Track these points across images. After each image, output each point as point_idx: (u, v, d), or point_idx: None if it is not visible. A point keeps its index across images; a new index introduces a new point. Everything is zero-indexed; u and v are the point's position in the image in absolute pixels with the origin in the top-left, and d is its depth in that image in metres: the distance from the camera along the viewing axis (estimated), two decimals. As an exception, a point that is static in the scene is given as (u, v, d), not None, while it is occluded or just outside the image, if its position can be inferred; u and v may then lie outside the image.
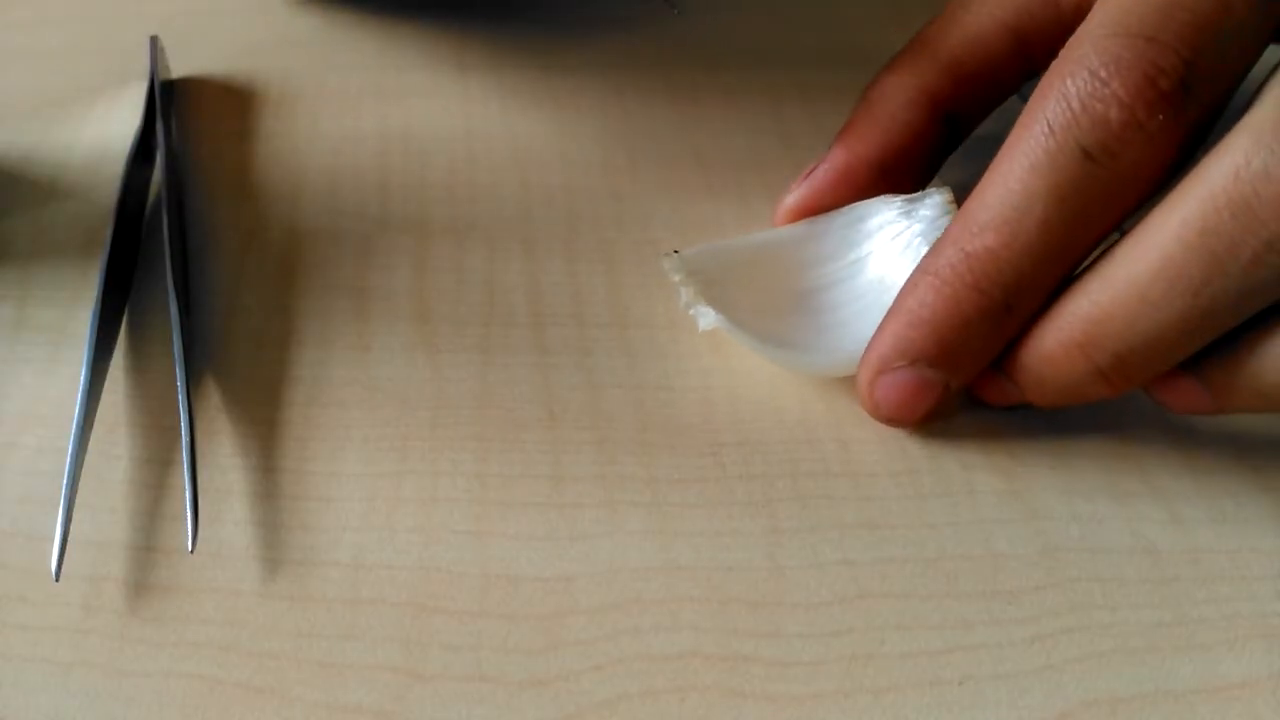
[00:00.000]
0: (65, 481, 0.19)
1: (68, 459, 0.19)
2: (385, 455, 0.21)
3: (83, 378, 0.20)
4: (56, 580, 0.18)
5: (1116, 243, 0.19)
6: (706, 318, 0.22)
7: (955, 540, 0.20)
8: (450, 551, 0.19)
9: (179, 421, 0.20)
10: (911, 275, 0.20)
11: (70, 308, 0.24)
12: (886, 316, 0.21)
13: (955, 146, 0.25)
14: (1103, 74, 0.18)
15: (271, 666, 0.18)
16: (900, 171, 0.24)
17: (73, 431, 0.19)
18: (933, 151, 0.24)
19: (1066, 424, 0.22)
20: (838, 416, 0.22)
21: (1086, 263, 0.20)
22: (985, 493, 0.21)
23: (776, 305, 0.23)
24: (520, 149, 0.29)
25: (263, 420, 0.21)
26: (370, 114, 0.30)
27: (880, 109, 0.24)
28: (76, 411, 0.20)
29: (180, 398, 0.20)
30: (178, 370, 0.21)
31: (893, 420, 0.22)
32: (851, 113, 0.25)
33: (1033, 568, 0.19)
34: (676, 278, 0.23)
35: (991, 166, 0.19)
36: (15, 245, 0.25)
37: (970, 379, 0.21)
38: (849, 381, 0.23)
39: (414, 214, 0.27)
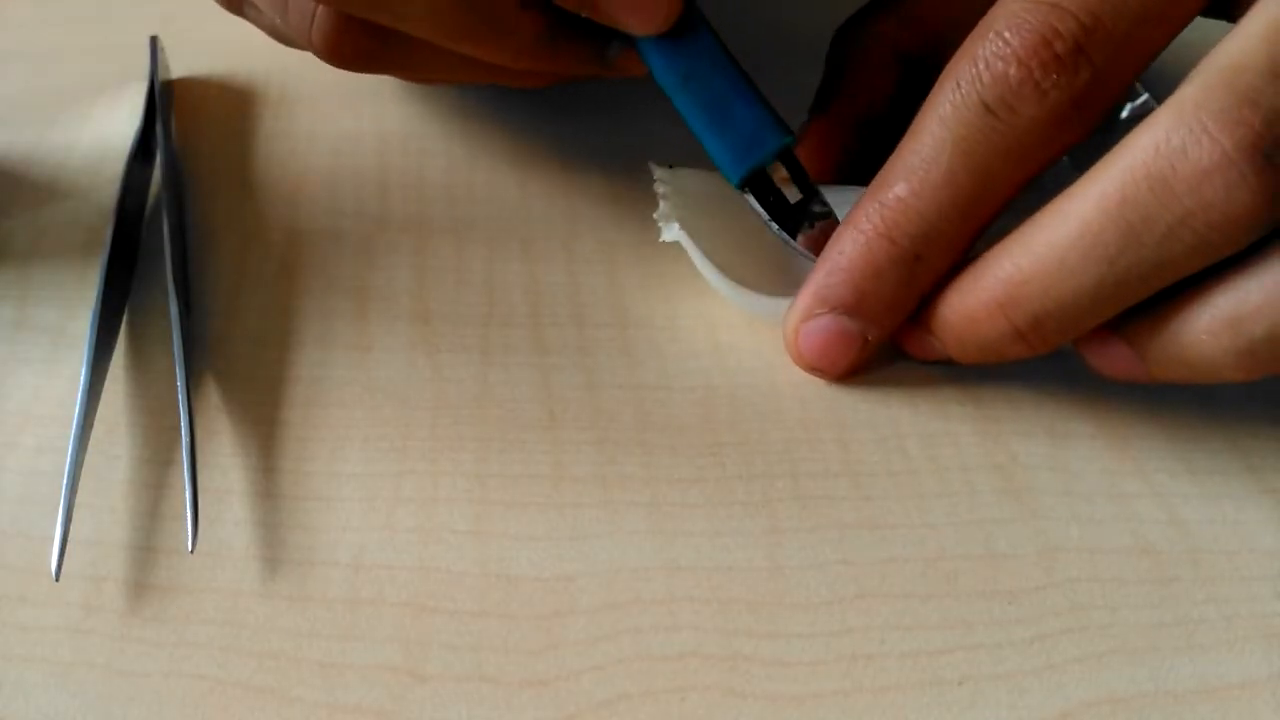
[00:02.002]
0: (65, 481, 0.19)
1: (68, 459, 0.19)
2: (385, 455, 0.21)
3: (83, 378, 0.20)
4: (56, 580, 0.18)
5: (1038, 212, 0.20)
6: (670, 231, 0.23)
7: (955, 540, 0.20)
8: (450, 551, 0.19)
9: (179, 421, 0.20)
10: (838, 227, 0.21)
11: (70, 308, 0.24)
12: (814, 266, 0.22)
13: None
14: (1006, 34, 0.19)
15: (271, 666, 0.18)
16: (878, 125, 0.25)
17: (73, 431, 0.19)
18: (909, 98, 0.25)
19: (1066, 425, 0.22)
20: (838, 416, 0.22)
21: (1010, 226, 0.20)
22: (985, 493, 0.21)
23: (745, 246, 0.24)
24: (520, 149, 0.29)
25: (263, 420, 0.21)
26: (370, 114, 0.30)
27: (850, 73, 0.25)
28: (76, 411, 0.20)
29: (180, 398, 0.20)
30: (178, 370, 0.21)
31: (815, 369, 0.23)
32: (824, 74, 0.26)
33: (1033, 568, 0.19)
34: (660, 189, 0.23)
35: (911, 124, 0.20)
36: (15, 245, 0.25)
37: (887, 331, 0.22)
38: (849, 381, 0.23)
39: (414, 214, 0.27)
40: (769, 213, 0.22)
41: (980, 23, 0.20)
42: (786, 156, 0.22)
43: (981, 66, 0.19)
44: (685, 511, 0.20)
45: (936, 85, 0.20)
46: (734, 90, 0.22)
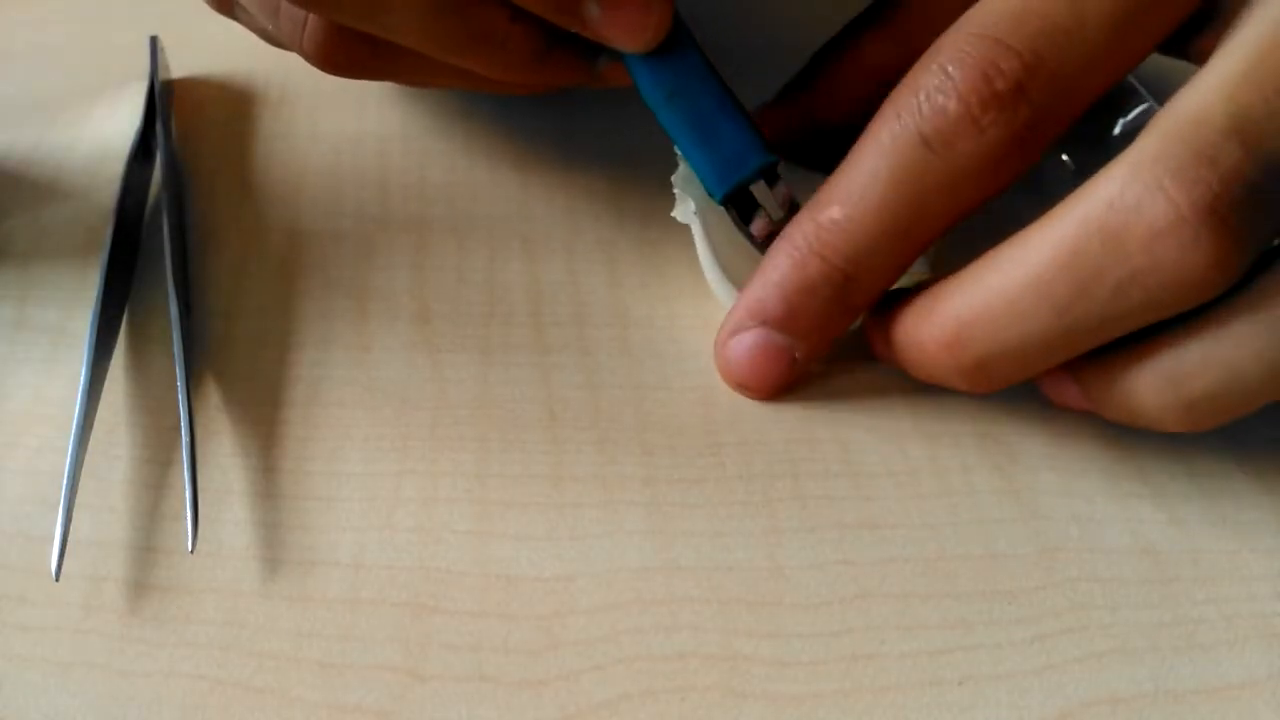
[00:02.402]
0: (65, 481, 0.19)
1: (68, 459, 0.19)
2: (385, 455, 0.21)
3: (83, 378, 0.20)
4: (56, 580, 0.18)
5: (996, 247, 0.19)
6: (685, 209, 0.23)
7: (955, 540, 0.20)
8: (450, 551, 0.19)
9: (179, 421, 0.20)
10: (774, 241, 0.21)
11: (70, 308, 0.24)
12: (750, 280, 0.22)
13: None
14: (949, 68, 0.19)
15: (271, 666, 0.18)
16: (835, 143, 0.24)
17: (73, 431, 0.19)
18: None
19: (1066, 424, 0.22)
20: (838, 416, 0.22)
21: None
22: (985, 493, 0.21)
23: (750, 252, 0.23)
24: (521, 149, 0.29)
25: (263, 420, 0.21)
26: (370, 114, 0.30)
27: (830, 85, 0.25)
28: (76, 411, 0.20)
29: (180, 398, 0.20)
30: (178, 370, 0.21)
31: (742, 385, 0.22)
32: (800, 77, 0.25)
33: (1033, 568, 0.19)
34: (677, 190, 0.23)
35: (853, 146, 0.20)
36: (15, 245, 0.25)
37: (815, 350, 0.22)
38: (849, 381, 0.23)
39: (414, 214, 0.27)
40: (749, 229, 0.23)
41: (926, 52, 0.19)
42: (770, 175, 0.22)
43: (921, 98, 0.19)
44: (685, 511, 0.20)
45: (878, 112, 0.20)
46: (718, 108, 0.22)
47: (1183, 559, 0.20)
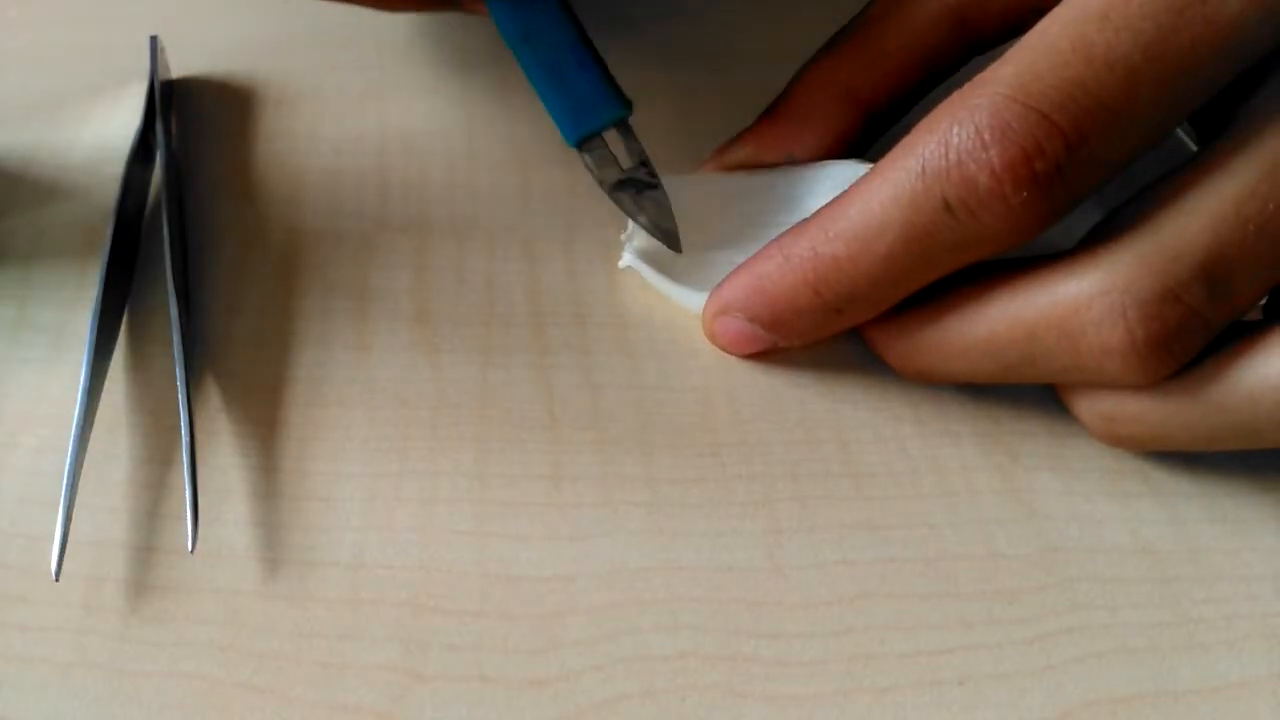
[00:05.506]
0: (65, 481, 0.19)
1: (68, 459, 0.19)
2: (385, 455, 0.21)
3: (83, 378, 0.20)
4: (56, 580, 0.18)
5: (955, 291, 0.20)
6: (627, 256, 0.24)
7: (955, 540, 0.20)
8: (450, 551, 0.19)
9: (179, 421, 0.20)
10: (774, 241, 0.21)
11: (70, 308, 0.24)
12: (744, 264, 0.22)
13: (880, 136, 0.25)
14: (986, 136, 0.17)
15: (271, 666, 0.18)
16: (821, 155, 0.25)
17: (73, 431, 0.19)
18: (849, 148, 0.25)
19: (1066, 424, 0.22)
20: (838, 416, 0.22)
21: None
22: (985, 493, 0.21)
23: (726, 241, 0.24)
24: (520, 149, 0.29)
25: (263, 420, 0.21)
26: (370, 114, 0.30)
27: (801, 108, 0.24)
28: (76, 411, 0.20)
29: (180, 398, 0.20)
30: (178, 370, 0.21)
31: (724, 350, 0.23)
32: (776, 100, 0.25)
33: (1033, 568, 0.19)
34: (624, 241, 0.24)
35: (868, 175, 0.19)
36: (15, 245, 0.25)
37: (797, 347, 0.23)
38: (849, 381, 0.23)
39: (414, 214, 0.27)
40: (599, 176, 0.24)
41: (959, 96, 0.18)
42: (622, 126, 0.23)
43: (951, 160, 0.18)
44: (685, 511, 0.20)
45: (901, 148, 0.19)
46: (574, 57, 0.22)
47: (1183, 559, 0.20)
